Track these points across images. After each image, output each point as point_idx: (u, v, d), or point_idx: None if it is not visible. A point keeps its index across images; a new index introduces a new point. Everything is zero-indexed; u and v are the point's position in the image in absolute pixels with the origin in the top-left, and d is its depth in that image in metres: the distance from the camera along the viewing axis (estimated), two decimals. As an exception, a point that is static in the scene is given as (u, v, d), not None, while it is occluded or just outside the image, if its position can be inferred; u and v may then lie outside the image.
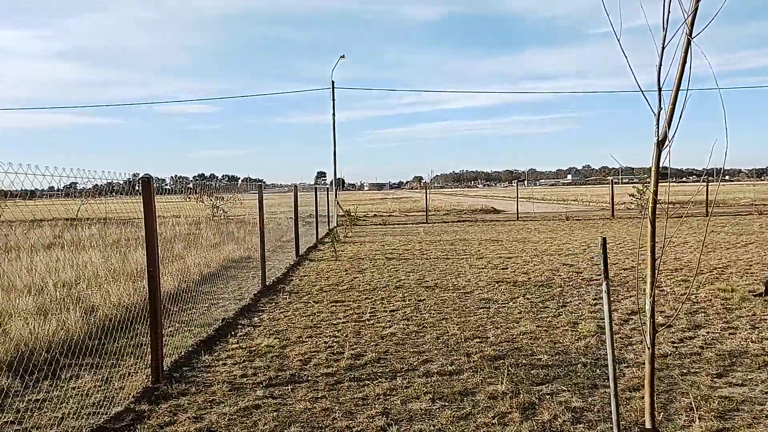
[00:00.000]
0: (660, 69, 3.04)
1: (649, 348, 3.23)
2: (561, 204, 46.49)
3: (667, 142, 3.09)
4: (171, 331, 7.83)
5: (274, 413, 5.03)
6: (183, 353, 6.75)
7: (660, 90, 3.08)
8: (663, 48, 3.02)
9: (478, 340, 7.18)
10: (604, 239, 3.58)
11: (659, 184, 3.25)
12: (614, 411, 3.56)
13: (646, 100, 3.16)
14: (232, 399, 5.38)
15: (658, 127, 3.09)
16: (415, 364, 6.30)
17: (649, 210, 3.16)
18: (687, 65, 3.02)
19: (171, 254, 13.24)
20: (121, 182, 6.90)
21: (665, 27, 2.99)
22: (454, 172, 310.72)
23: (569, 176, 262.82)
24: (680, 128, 3.13)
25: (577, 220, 27.99)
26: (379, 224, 29.01)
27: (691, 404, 4.87)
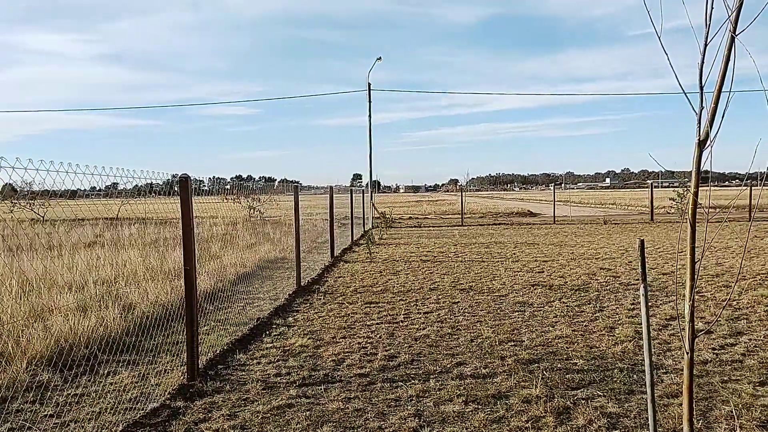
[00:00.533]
0: (702, 67, 2.96)
1: (687, 353, 3.14)
2: (599, 207, 45.77)
3: (708, 142, 3.00)
4: (207, 330, 7.94)
5: (307, 413, 5.05)
6: (218, 351, 6.83)
7: (702, 88, 3.00)
8: (705, 45, 2.94)
9: (513, 343, 7.10)
10: (642, 241, 3.51)
11: (700, 187, 3.16)
12: (651, 417, 3.48)
13: (688, 99, 3.08)
14: (266, 398, 5.42)
15: (699, 127, 3.01)
16: (448, 366, 6.27)
17: (689, 212, 3.07)
18: (730, 63, 2.94)
19: (208, 254, 13.45)
20: (161, 183, 7.01)
21: (708, 23, 2.91)
22: (491, 174, 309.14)
23: (607, 180, 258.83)
24: (724, 131, 3.04)
25: (615, 223, 27.52)
26: (414, 226, 28.96)
27: (732, 412, 4.73)
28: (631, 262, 13.96)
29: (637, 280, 11.35)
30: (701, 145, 3.02)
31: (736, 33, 2.90)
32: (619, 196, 72.88)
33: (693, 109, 3.01)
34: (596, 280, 11.50)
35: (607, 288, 10.59)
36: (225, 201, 25.85)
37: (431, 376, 5.93)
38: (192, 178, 6.06)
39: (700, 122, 3.01)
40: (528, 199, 78.34)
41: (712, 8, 2.88)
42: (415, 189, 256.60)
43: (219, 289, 10.26)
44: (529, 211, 40.18)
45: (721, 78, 2.93)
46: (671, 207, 31.57)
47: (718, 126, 3.00)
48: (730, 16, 2.87)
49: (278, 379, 5.96)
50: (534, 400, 5.19)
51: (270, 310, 9.15)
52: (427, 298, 10.01)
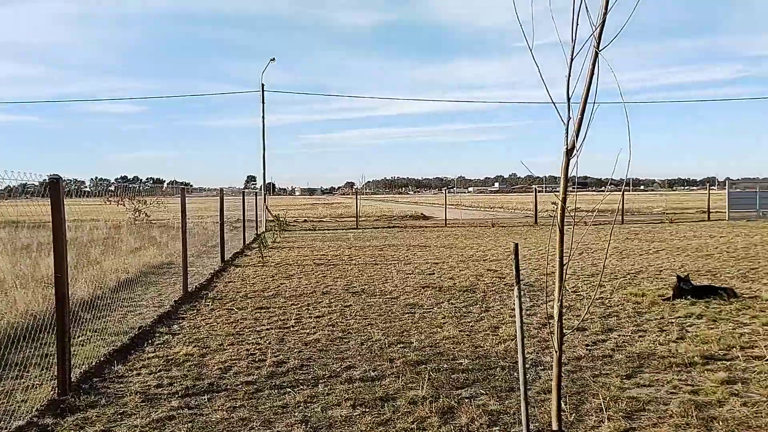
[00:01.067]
0: (569, 80, 3.14)
1: (556, 351, 3.31)
2: (488, 211, 47.50)
3: (575, 151, 3.18)
4: (82, 341, 7.49)
5: (189, 424, 4.87)
6: (94, 363, 6.45)
7: (569, 100, 3.17)
8: (572, 60, 3.11)
9: (402, 345, 7.20)
10: (516, 245, 3.66)
11: (570, 192, 3.34)
12: (524, 414, 3.62)
13: (557, 110, 3.25)
14: (145, 410, 5.18)
15: (567, 136, 3.19)
16: (337, 370, 6.26)
17: (558, 217, 3.24)
18: (595, 77, 3.13)
19: (87, 259, 12.71)
20: (36, 184, 6.56)
21: (574, 39, 3.08)
22: (386, 178, 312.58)
23: (496, 184, 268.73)
24: (602, 139, 3.24)
25: (503, 226, 28.65)
26: (309, 230, 28.80)
27: (601, 405, 5.04)
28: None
29: (521, 280, 11.86)
30: (569, 153, 3.19)
31: (600, 48, 3.09)
32: (507, 200, 75.87)
33: (561, 119, 3.17)
34: (483, 281, 11.90)
35: (493, 289, 10.99)
36: (107, 203, 24.58)
37: (320, 381, 5.90)
38: (71, 179, 5.71)
39: (567, 132, 3.18)
40: (421, 202, 79.88)
41: (578, 25, 3.06)
42: (311, 192, 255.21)
43: (98, 296, 9.70)
44: (422, 214, 41.00)
45: (586, 90, 3.11)
46: (552, 211, 33.31)
47: (584, 135, 3.19)
48: (593, 32, 3.06)
49: (159, 390, 5.71)
50: (420, 401, 5.29)
51: (153, 317, 8.77)
52: (320, 302, 9.96)
